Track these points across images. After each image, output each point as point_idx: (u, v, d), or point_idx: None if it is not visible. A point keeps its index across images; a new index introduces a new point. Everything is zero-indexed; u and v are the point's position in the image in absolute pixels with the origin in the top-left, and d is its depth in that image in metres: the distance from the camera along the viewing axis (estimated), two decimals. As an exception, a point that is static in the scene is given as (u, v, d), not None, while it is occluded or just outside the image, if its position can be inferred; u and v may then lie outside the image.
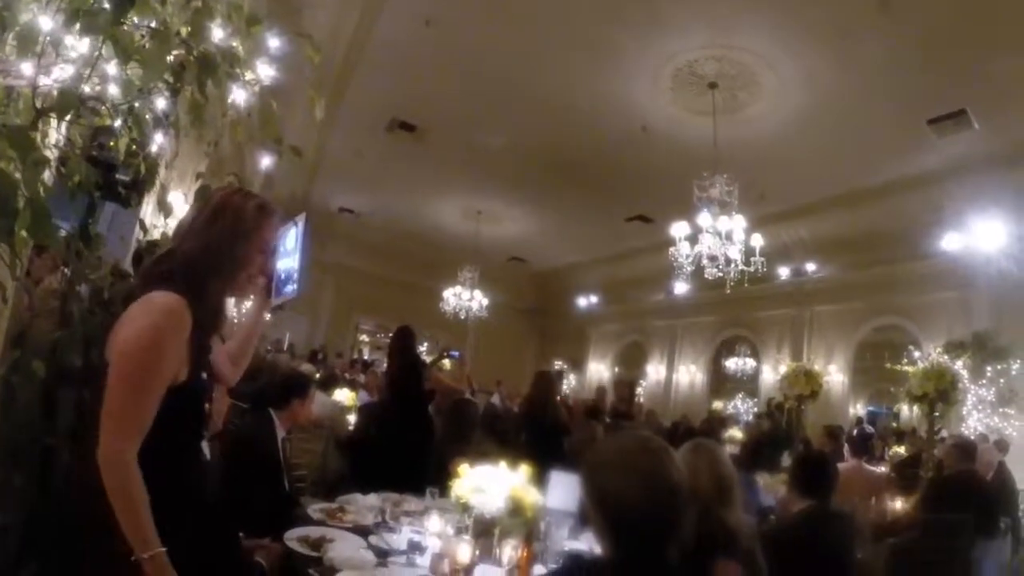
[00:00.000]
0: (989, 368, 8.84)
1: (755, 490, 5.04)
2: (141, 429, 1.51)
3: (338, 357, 14.07)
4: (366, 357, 16.10)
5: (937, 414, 8.64)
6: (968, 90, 7.47)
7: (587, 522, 3.01)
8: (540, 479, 2.97)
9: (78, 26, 1.60)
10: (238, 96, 2.16)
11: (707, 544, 2.07)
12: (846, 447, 6.51)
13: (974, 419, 8.76)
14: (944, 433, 8.29)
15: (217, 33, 1.94)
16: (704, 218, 7.66)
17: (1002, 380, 8.76)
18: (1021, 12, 6.06)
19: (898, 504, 5.55)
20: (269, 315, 2.23)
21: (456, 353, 6.40)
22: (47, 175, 1.74)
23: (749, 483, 4.83)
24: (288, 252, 1.88)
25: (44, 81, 1.74)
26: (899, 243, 10.49)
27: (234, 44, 2.03)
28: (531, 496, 2.67)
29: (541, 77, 8.29)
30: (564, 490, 3.12)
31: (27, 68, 1.69)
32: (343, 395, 7.32)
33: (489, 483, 2.65)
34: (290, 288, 1.89)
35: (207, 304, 1.71)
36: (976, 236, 8.89)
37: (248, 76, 2.16)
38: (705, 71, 7.78)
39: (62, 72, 1.78)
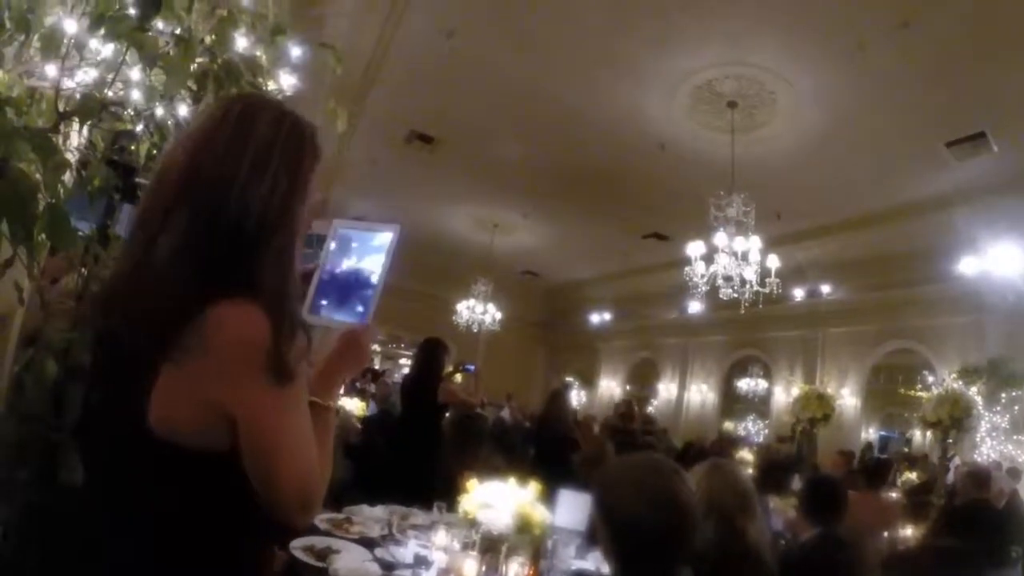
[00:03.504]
0: (1003, 394, 8.74)
1: (769, 514, 4.98)
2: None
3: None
4: (376, 366, 16.10)
5: (950, 440, 8.56)
6: (987, 112, 7.41)
7: (596, 540, 3.00)
8: (549, 495, 2.95)
9: (102, 30, 1.60)
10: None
11: (729, 563, 2.06)
12: (862, 476, 6.42)
13: (987, 446, 8.66)
14: (957, 460, 8.20)
15: (241, 42, 1.94)
16: (720, 238, 7.64)
17: (1016, 407, 8.67)
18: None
19: (909, 531, 5.49)
20: None
21: (471, 367, 6.33)
22: (67, 177, 1.75)
23: (763, 506, 4.78)
24: (356, 251, 1.31)
25: (67, 84, 1.75)
26: (914, 266, 10.41)
27: (257, 53, 2.03)
28: (539, 513, 2.65)
29: (560, 91, 8.30)
30: (572, 508, 3.09)
31: (51, 70, 1.71)
32: (353, 404, 7.29)
33: (497, 499, 2.63)
34: (360, 311, 1.29)
35: (291, 312, 1.14)
36: (992, 260, 8.80)
37: (270, 86, 2.16)
38: (724, 90, 7.77)
39: (85, 75, 1.79)
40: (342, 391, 6.67)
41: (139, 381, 1.09)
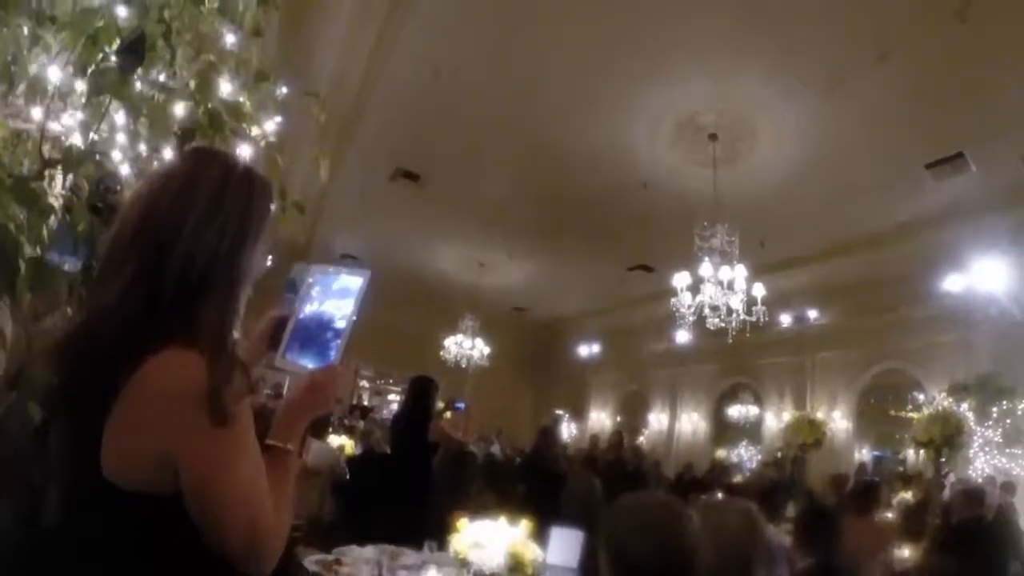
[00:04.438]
0: (994, 408, 8.77)
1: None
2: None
3: (338, 402, 13.96)
4: (365, 402, 15.97)
5: (943, 459, 8.57)
6: (965, 133, 7.55)
7: (590, 575, 2.96)
8: (541, 532, 2.92)
9: (87, 83, 1.60)
10: (243, 151, 2.17)
11: None
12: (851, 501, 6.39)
13: (981, 460, 8.67)
14: (951, 476, 8.20)
15: (225, 87, 1.95)
16: (705, 268, 7.69)
17: (1008, 420, 8.69)
18: (1016, 54, 6.16)
19: (906, 552, 5.46)
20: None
21: (461, 405, 6.28)
22: (52, 220, 1.74)
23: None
24: (326, 296, 1.32)
25: (53, 127, 1.76)
26: (899, 287, 10.48)
27: (241, 99, 2.04)
28: (531, 552, 2.63)
29: (544, 128, 8.40)
30: (564, 545, 3.06)
31: (36, 113, 1.71)
32: (343, 441, 7.20)
33: (488, 538, 2.61)
34: (329, 356, 1.28)
35: (228, 356, 1.14)
36: (976, 277, 8.88)
37: (255, 131, 2.16)
38: (705, 122, 7.88)
39: (71, 119, 1.79)
40: (331, 430, 6.55)
41: (89, 429, 1.10)
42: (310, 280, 1.40)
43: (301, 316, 1.37)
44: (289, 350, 1.36)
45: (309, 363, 1.32)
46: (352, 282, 1.35)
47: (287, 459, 1.25)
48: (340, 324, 1.31)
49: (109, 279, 1.16)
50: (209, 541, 1.10)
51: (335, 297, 1.35)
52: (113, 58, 1.59)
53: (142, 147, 1.89)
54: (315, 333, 1.33)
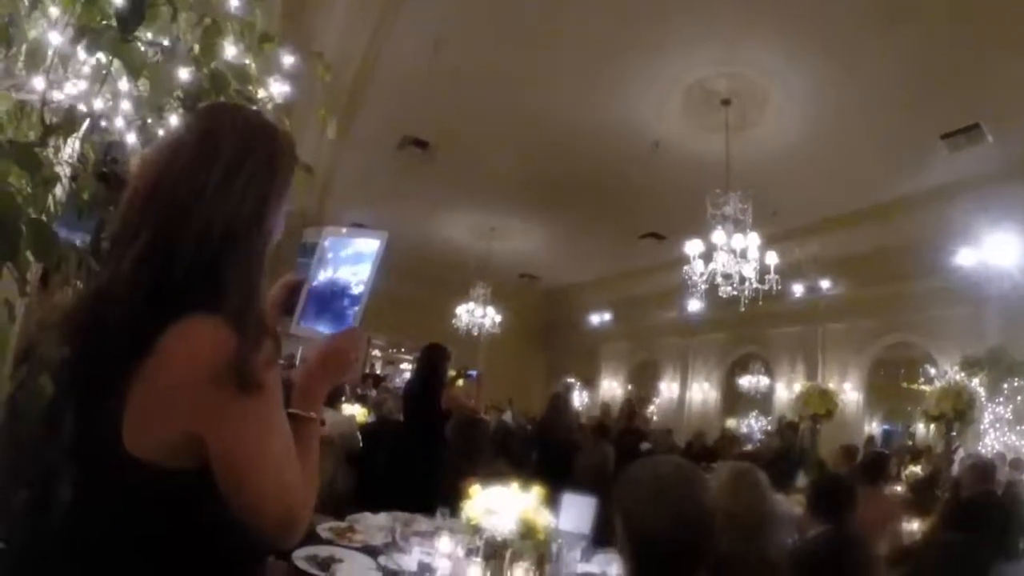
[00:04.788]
0: (1005, 385, 8.74)
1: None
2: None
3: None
4: (378, 372, 16.08)
5: (954, 433, 8.55)
6: (982, 104, 7.43)
7: (602, 543, 2.98)
8: (553, 499, 2.93)
9: (84, 43, 1.57)
10: (250, 114, 2.14)
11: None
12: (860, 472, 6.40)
13: (991, 437, 8.65)
14: (961, 452, 8.19)
15: (229, 50, 1.92)
16: (718, 235, 7.62)
17: (1019, 397, 8.66)
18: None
19: (915, 525, 5.47)
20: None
21: (473, 373, 6.29)
22: (59, 190, 1.73)
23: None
24: (343, 260, 1.27)
25: (56, 96, 1.73)
26: (912, 259, 10.37)
27: (246, 61, 2.01)
28: (543, 518, 2.64)
29: (553, 96, 8.30)
30: (576, 512, 3.07)
31: (38, 83, 1.69)
32: (356, 410, 7.25)
33: (500, 504, 2.61)
34: (347, 321, 1.23)
35: (256, 321, 1.10)
36: (990, 250, 8.78)
37: (260, 94, 2.13)
38: (717, 87, 7.77)
39: (74, 87, 1.77)
40: (344, 398, 6.59)
41: (110, 405, 1.06)
42: (324, 244, 1.34)
43: (316, 281, 1.32)
44: (304, 316, 1.31)
45: (326, 329, 1.27)
46: (368, 245, 1.30)
47: (311, 427, 1.22)
48: (357, 289, 1.26)
49: (122, 248, 1.11)
50: (240, 516, 1.07)
51: (351, 261, 1.29)
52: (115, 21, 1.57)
53: (148, 118, 1.86)
54: (331, 298, 1.28)
